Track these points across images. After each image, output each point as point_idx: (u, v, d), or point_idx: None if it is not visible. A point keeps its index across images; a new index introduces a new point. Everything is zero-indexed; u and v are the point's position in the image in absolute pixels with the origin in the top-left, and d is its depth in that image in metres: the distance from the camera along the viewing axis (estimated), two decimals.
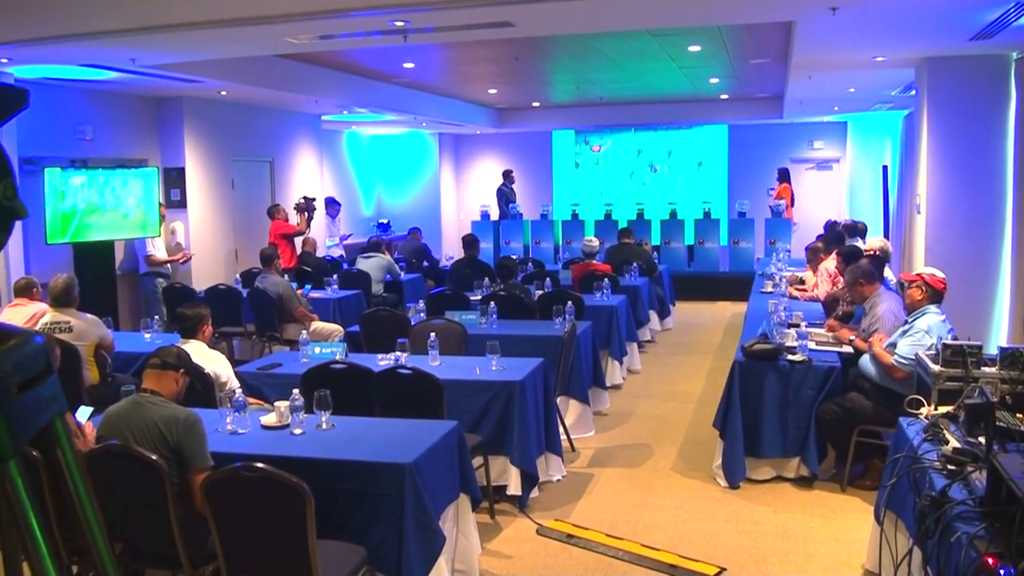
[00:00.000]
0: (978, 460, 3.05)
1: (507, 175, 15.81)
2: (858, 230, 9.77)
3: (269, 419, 4.20)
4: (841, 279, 7.39)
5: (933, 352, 4.19)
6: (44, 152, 8.59)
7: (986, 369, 3.83)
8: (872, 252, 7.35)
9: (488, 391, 5.03)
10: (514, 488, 5.02)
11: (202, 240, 10.55)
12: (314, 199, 11.42)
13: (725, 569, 4.27)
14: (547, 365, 5.56)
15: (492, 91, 13.70)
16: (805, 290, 8.37)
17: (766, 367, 5.34)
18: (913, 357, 4.61)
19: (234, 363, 5.47)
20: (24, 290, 6.27)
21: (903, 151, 11.78)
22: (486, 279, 8.85)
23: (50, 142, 8.76)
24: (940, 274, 5.05)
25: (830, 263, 7.93)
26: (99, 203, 8.81)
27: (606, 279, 8.50)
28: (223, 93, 10.09)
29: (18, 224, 0.99)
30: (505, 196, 15.49)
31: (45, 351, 0.97)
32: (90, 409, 3.89)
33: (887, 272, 7.14)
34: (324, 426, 4.11)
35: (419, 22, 5.95)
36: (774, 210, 13.56)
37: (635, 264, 9.97)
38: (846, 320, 6.32)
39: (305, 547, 3.09)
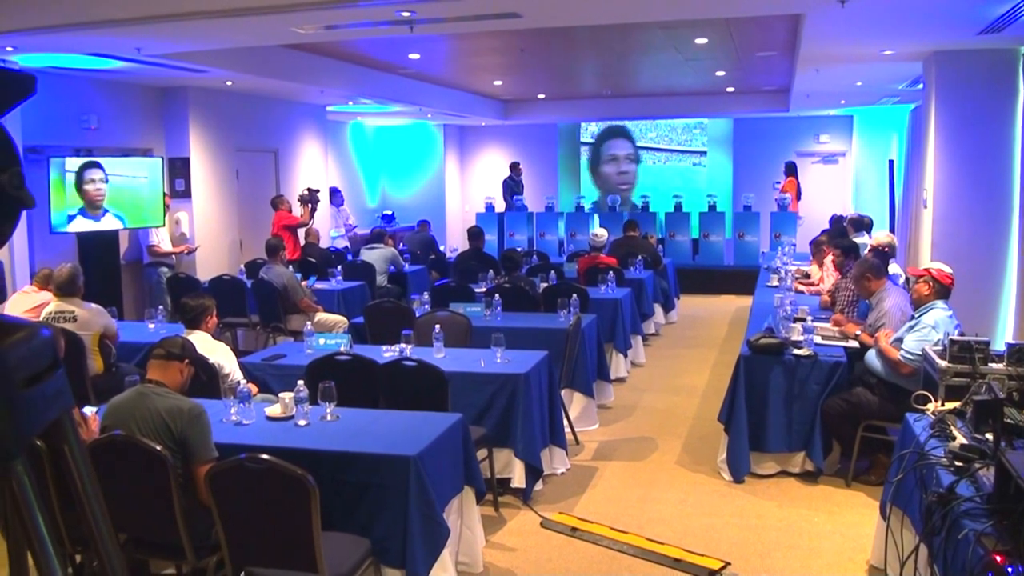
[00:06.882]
0: (986, 457, 3.03)
1: (514, 167, 15.78)
2: (864, 224, 9.73)
3: (273, 410, 4.20)
4: (836, 273, 7.38)
5: (940, 348, 4.18)
6: (49, 141, 8.58)
7: (993, 365, 3.82)
8: (878, 247, 7.33)
9: (493, 383, 5.02)
10: (518, 481, 5.02)
11: (206, 230, 10.54)
12: (318, 191, 11.38)
13: (729, 563, 4.26)
14: (551, 358, 5.55)
15: (497, 83, 13.66)
16: (811, 284, 8.35)
17: (771, 361, 5.33)
18: (920, 352, 4.60)
19: (238, 354, 5.47)
20: (42, 279, 6.32)
21: (909, 145, 11.73)
22: (491, 271, 8.84)
23: (55, 131, 8.75)
24: (948, 269, 5.03)
25: None
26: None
27: (611, 272, 8.49)
28: (228, 83, 10.07)
29: (24, 213, 0.97)
30: (511, 188, 15.46)
31: (52, 344, 0.95)
32: (94, 409, 3.89)
33: (894, 267, 7.11)
34: (329, 418, 4.10)
35: (426, 12, 5.92)
36: (779, 204, 13.53)
37: (640, 257, 9.95)
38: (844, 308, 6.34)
39: (309, 539, 3.09)
